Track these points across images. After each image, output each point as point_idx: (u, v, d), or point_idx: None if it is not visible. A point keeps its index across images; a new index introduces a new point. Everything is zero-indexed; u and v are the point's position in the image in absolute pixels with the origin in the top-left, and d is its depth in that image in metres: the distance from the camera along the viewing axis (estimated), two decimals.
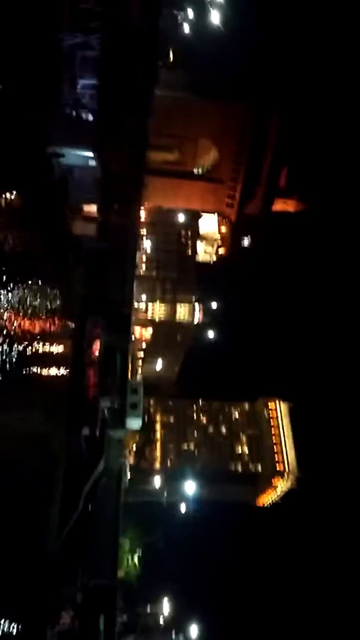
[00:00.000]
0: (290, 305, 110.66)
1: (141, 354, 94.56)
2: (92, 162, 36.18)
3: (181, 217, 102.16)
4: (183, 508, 57.34)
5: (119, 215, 38.42)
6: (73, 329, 41.17)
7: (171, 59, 51.38)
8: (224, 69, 51.08)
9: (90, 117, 35.55)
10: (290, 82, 53.24)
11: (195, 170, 54.29)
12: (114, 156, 35.81)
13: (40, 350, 39.91)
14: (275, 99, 51.21)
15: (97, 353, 42.82)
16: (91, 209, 38.88)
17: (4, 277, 29.37)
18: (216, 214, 58.97)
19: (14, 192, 24.66)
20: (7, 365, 35.73)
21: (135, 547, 56.52)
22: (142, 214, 65.74)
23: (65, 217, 35.31)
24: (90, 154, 35.52)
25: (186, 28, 52.00)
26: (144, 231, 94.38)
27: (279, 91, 51.32)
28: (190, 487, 59.39)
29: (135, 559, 56.41)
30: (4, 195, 23.74)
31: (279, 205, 58.13)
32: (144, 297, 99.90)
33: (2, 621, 27.76)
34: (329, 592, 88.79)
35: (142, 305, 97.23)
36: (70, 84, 34.21)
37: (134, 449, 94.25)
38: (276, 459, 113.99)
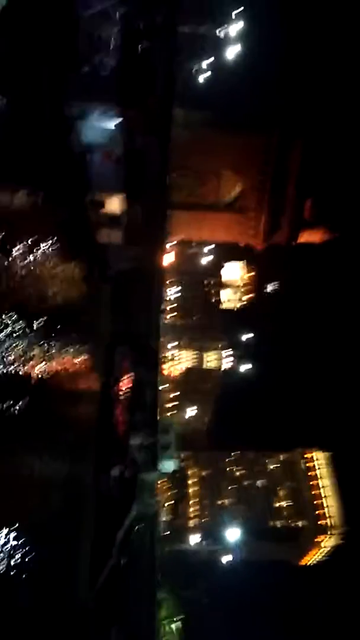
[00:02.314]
0: (324, 348, 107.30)
1: (170, 404, 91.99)
2: (114, 137, 33.99)
3: (205, 264, 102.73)
4: (224, 559, 52.71)
5: (145, 219, 36.90)
6: (100, 362, 39.61)
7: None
8: (243, 103, 51.70)
9: (111, 74, 33.43)
10: (313, 111, 53.53)
11: (218, 202, 54.21)
12: (137, 126, 34.40)
13: (65, 386, 38.34)
14: (297, 128, 51.37)
15: (125, 388, 40.97)
16: (113, 204, 37.25)
17: (24, 305, 28.16)
18: (243, 246, 58.13)
19: (30, 186, 23.46)
20: (31, 404, 34.23)
21: (174, 612, 51.79)
22: (166, 258, 65.31)
23: (88, 215, 33.83)
24: (112, 122, 33.17)
25: (201, 76, 53.56)
26: (167, 281, 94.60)
27: (301, 120, 51.59)
28: (232, 534, 54.90)
29: (174, 627, 51.53)
30: (19, 190, 22.46)
31: (304, 237, 57.20)
32: (170, 345, 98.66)
33: None
34: None
35: (170, 353, 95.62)
36: (89, 43, 32.51)
37: (168, 505, 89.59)
38: (318, 513, 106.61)
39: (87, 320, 35.10)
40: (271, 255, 69.35)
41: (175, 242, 60.55)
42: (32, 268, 25.59)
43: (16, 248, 22.88)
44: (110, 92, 32.41)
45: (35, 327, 30.03)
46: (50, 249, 26.72)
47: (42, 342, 32.09)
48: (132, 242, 36.19)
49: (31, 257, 24.91)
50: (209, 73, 49.56)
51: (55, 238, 26.98)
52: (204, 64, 49.05)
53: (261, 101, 52.00)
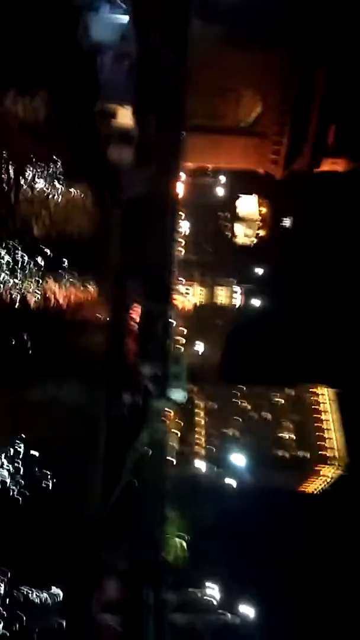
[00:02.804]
0: (336, 284, 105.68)
1: (181, 338, 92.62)
2: (126, 35, 29.95)
3: (219, 197, 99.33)
4: (230, 483, 54.90)
5: (159, 135, 34.19)
6: (111, 292, 39.15)
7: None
8: (265, 17, 47.15)
9: None
10: (339, 28, 48.91)
11: (237, 125, 51.08)
12: (152, 22, 30.87)
13: (77, 316, 38.15)
14: (322, 46, 47.27)
15: (136, 318, 40.82)
16: (125, 116, 34.36)
17: (29, 231, 26.69)
18: (262, 173, 54.93)
19: (34, 92, 20.35)
20: (43, 334, 34.07)
21: (182, 531, 54.59)
22: (180, 187, 62.80)
23: (97, 127, 31.03)
24: (124, 16, 29.23)
25: None
26: (181, 215, 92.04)
27: (326, 38, 47.37)
28: (237, 460, 56.72)
29: (183, 543, 54.49)
30: (21, 97, 19.41)
31: (327, 166, 54.27)
32: (182, 279, 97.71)
33: (45, 589, 26.16)
34: None
35: (181, 287, 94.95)
36: None
37: (177, 435, 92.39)
38: (323, 445, 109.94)
39: (98, 248, 34.05)
40: (288, 188, 66.50)
41: (190, 169, 57.69)
42: (37, 190, 23.29)
43: (18, 166, 20.36)
44: None
45: (42, 255, 28.72)
46: (56, 168, 24.06)
47: (50, 271, 31.03)
48: (145, 162, 33.70)
49: (36, 178, 22.43)
50: None
51: (62, 155, 24.25)
52: None
53: (285, 16, 47.44)
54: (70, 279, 35.04)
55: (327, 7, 50.07)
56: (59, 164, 24.15)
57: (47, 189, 23.56)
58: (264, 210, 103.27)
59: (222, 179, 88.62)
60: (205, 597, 45.33)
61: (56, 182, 23.70)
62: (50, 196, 24.13)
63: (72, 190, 25.83)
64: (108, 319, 39.47)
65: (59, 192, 24.68)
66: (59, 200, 25.39)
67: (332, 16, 50.49)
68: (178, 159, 39.66)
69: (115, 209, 33.13)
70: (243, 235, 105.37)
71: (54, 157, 23.84)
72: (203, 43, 43.48)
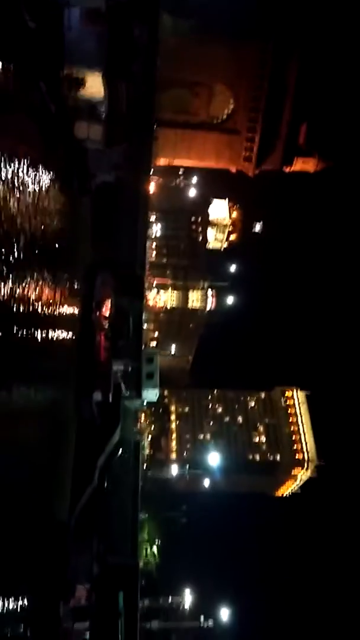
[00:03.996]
0: (307, 290, 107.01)
1: (154, 342, 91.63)
2: None
3: (191, 202, 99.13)
4: (204, 485, 54.07)
5: (130, 107, 32.03)
6: (80, 287, 37.80)
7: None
8: (236, 11, 47.01)
9: None
10: (311, 24, 49.24)
11: (209, 121, 50.56)
12: None
13: (44, 313, 36.67)
14: (294, 40, 47.39)
15: (107, 314, 39.53)
16: (95, 84, 31.72)
17: None
18: (234, 169, 54.10)
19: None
20: (9, 331, 32.48)
21: (154, 536, 53.43)
22: (152, 186, 62.02)
23: (64, 96, 28.14)
24: None
25: None
26: (152, 217, 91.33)
27: (298, 32, 47.53)
28: (212, 461, 56.02)
29: (155, 549, 53.28)
30: None
31: (298, 165, 54.45)
32: (154, 282, 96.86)
33: (12, 596, 24.55)
34: (351, 575, 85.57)
35: (154, 289, 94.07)
36: None
37: (150, 439, 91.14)
38: (295, 448, 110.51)
39: (65, 240, 32.62)
40: (259, 191, 66.85)
41: (161, 168, 56.58)
42: None
43: None
44: None
45: (3, 248, 26.55)
46: (17, 148, 20.77)
47: (13, 264, 29.01)
48: (115, 141, 31.88)
49: None
50: None
51: (21, 131, 21.28)
52: None
53: (256, 9, 47.49)
54: (35, 273, 33.50)
55: (299, 3, 50.37)
56: (18, 141, 20.98)
57: (4, 172, 20.42)
58: (234, 214, 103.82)
59: (194, 180, 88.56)
60: (178, 602, 44.21)
61: (14, 164, 20.55)
62: (8, 181, 21.16)
63: (33, 173, 23.05)
64: (77, 314, 38.11)
65: (18, 176, 21.76)
66: (19, 186, 22.72)
67: (304, 12, 50.81)
68: (150, 140, 37.96)
69: (84, 197, 31.35)
70: (214, 239, 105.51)
71: (11, 132, 20.59)
72: (174, 36, 42.92)
